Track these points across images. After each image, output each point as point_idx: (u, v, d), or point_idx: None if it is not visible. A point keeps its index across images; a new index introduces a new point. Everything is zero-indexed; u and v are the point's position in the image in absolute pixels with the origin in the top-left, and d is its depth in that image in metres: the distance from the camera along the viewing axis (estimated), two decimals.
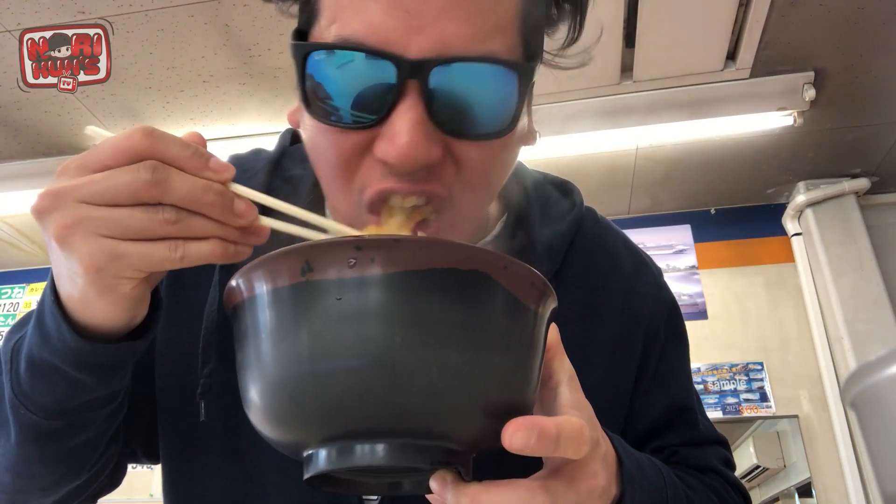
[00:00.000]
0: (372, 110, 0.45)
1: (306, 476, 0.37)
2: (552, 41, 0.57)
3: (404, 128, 0.43)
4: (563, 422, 0.36)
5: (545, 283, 0.37)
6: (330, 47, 0.45)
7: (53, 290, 0.44)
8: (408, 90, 0.44)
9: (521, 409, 0.37)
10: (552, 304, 0.39)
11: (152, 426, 0.63)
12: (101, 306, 0.42)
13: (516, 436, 0.34)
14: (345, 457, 0.35)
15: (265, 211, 0.43)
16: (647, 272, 0.70)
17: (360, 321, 0.33)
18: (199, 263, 0.40)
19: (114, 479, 0.62)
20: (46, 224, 0.40)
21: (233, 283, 0.37)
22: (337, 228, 0.44)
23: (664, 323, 0.68)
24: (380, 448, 0.34)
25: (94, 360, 0.45)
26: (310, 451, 0.36)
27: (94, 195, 0.38)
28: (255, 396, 0.36)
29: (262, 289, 0.35)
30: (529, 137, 0.56)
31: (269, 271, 0.35)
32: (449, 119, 0.45)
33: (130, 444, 0.63)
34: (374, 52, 0.44)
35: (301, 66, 0.47)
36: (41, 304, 0.45)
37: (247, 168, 0.63)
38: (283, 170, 0.64)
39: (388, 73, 0.44)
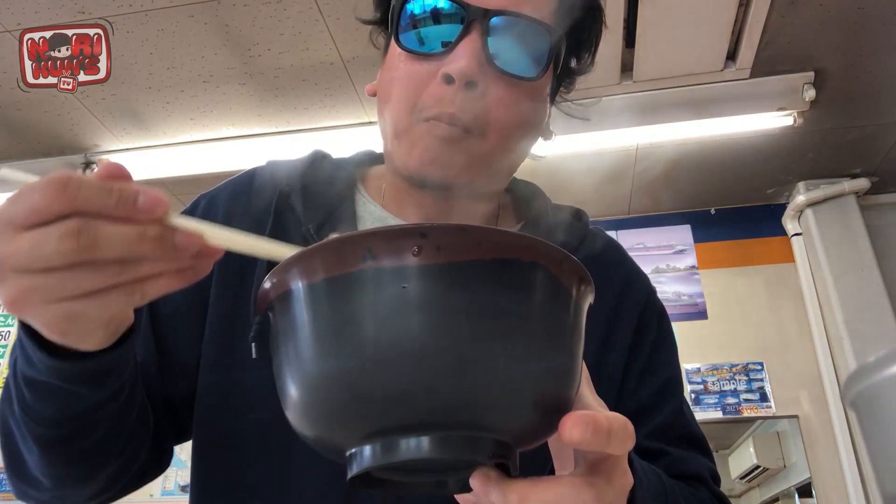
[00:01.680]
0: (445, 42, 0.62)
1: (352, 474, 0.36)
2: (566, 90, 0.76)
3: (465, 53, 0.60)
4: (613, 417, 0.37)
5: (590, 280, 0.38)
6: None
7: (24, 324, 0.43)
8: (472, 29, 0.61)
9: (569, 404, 0.38)
10: (590, 300, 0.40)
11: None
12: (83, 346, 0.42)
13: (574, 430, 0.35)
14: (395, 451, 0.34)
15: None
16: (644, 278, 0.78)
17: (425, 310, 0.32)
18: (161, 295, 0.40)
19: (160, 460, 0.66)
20: None
21: (278, 274, 0.36)
22: (281, 251, 0.41)
23: (656, 322, 0.74)
24: (434, 440, 0.34)
25: (81, 374, 0.45)
26: (357, 448, 0.35)
27: (28, 264, 0.36)
28: (304, 391, 0.35)
29: (318, 277, 0.34)
30: (546, 132, 0.73)
31: (325, 259, 0.34)
32: (496, 56, 0.61)
33: (182, 415, 0.67)
34: (452, 0, 0.61)
35: (399, 9, 0.64)
36: (19, 334, 0.44)
37: (285, 165, 0.74)
38: (315, 169, 0.75)
39: (459, 16, 0.61)
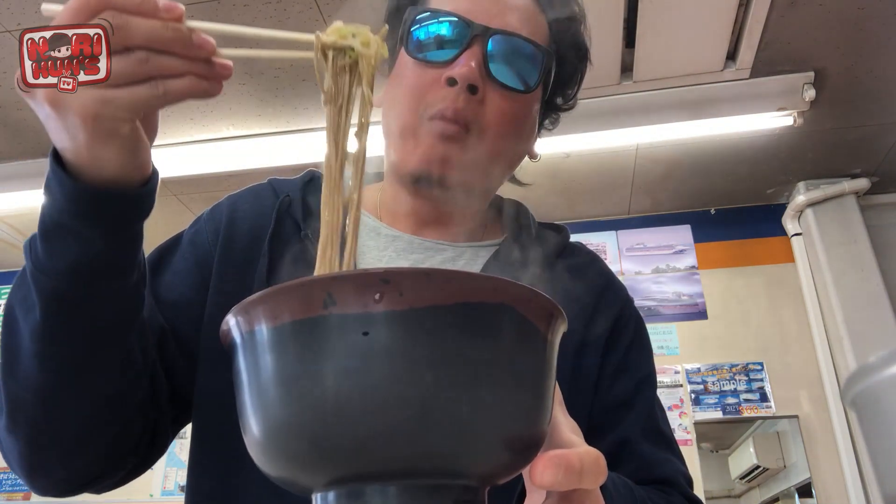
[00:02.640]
0: (449, 53, 0.68)
1: None
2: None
3: (467, 61, 0.67)
4: (584, 454, 0.37)
5: (561, 312, 0.38)
6: (435, 11, 0.71)
7: (55, 156, 0.48)
8: (474, 43, 0.68)
9: (540, 441, 0.38)
10: (562, 331, 0.39)
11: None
12: (108, 154, 0.47)
13: (546, 473, 0.36)
14: (360, 499, 0.33)
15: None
16: (621, 287, 0.81)
17: (387, 358, 0.32)
18: (180, 99, 0.46)
19: (154, 441, 0.65)
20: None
21: (240, 315, 0.35)
22: (295, 37, 0.47)
23: (632, 326, 0.77)
24: (400, 488, 0.33)
25: (98, 210, 0.48)
26: (322, 492, 0.35)
27: None
28: (264, 436, 0.34)
29: (279, 321, 0.33)
30: (533, 153, 0.79)
31: (287, 302, 0.33)
32: (494, 69, 0.68)
33: (182, 393, 0.68)
34: (458, 17, 0.69)
35: (411, 22, 0.71)
36: (47, 172, 0.49)
37: (284, 180, 0.79)
38: (313, 184, 0.79)
39: (464, 31, 0.68)
